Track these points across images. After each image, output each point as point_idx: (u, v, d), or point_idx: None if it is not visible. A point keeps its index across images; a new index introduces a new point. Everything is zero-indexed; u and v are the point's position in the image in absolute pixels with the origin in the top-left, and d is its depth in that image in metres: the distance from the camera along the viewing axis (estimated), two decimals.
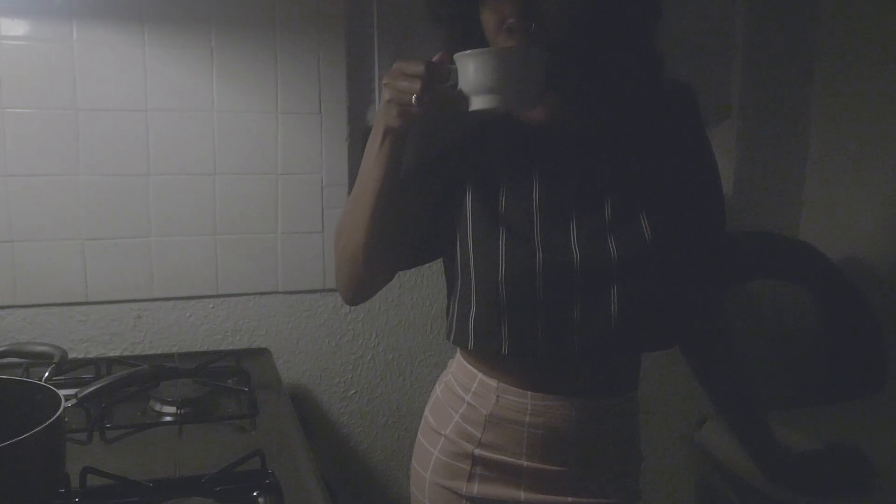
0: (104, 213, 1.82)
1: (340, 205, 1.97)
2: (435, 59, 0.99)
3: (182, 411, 1.53)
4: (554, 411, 1.13)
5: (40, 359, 1.53)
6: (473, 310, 1.12)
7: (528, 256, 1.07)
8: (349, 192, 1.95)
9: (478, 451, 1.17)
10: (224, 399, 1.62)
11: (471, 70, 0.97)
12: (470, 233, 1.11)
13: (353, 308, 2.04)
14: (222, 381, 1.67)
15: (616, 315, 1.07)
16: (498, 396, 1.16)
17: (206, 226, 1.89)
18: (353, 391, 2.08)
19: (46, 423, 1.00)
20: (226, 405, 1.60)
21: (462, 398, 1.20)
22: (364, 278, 1.15)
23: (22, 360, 1.56)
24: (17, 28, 1.72)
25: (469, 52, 0.97)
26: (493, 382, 1.16)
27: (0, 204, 1.75)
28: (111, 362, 1.75)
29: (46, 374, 1.43)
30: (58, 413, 1.03)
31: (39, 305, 1.81)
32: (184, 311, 1.91)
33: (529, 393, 1.13)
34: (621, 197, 1.09)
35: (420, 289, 2.08)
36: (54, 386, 1.14)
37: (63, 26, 1.74)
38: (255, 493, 1.21)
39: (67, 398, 1.11)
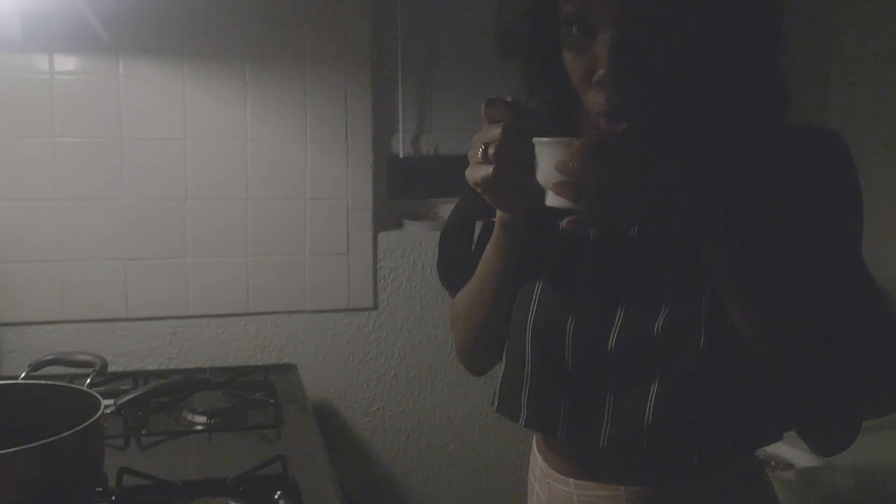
0: (145, 235, 1.94)
1: (365, 228, 2.07)
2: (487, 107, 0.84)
3: (212, 420, 1.64)
4: None
5: (83, 366, 1.65)
6: (503, 366, 1.01)
7: (561, 313, 0.92)
8: (373, 216, 2.07)
9: None
10: (251, 410, 1.72)
11: (547, 160, 0.79)
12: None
13: (376, 327, 2.13)
14: (250, 394, 1.77)
15: (653, 411, 0.88)
16: (550, 484, 1.00)
17: (238, 247, 2.00)
18: (376, 407, 2.17)
19: (86, 423, 1.10)
20: (253, 416, 1.70)
21: (533, 483, 1.06)
22: (481, 355, 1.08)
23: (67, 367, 1.68)
24: (68, 64, 1.86)
25: (547, 139, 0.79)
26: (544, 466, 1.02)
27: (50, 226, 1.89)
28: (148, 375, 1.87)
29: (88, 380, 1.54)
30: (97, 414, 1.13)
31: (84, 321, 1.94)
32: (216, 328, 2.02)
33: (571, 480, 0.97)
34: (689, 266, 0.86)
35: (441, 308, 2.17)
36: (95, 393, 1.24)
37: (110, 62, 1.88)
38: (276, 496, 1.30)
39: (107, 406, 1.22)
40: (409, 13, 2.10)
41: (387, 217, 2.15)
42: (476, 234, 1.07)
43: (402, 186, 2.17)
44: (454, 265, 1.08)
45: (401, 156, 2.14)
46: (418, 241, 2.13)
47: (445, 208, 2.21)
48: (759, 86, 0.86)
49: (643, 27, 0.79)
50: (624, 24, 0.79)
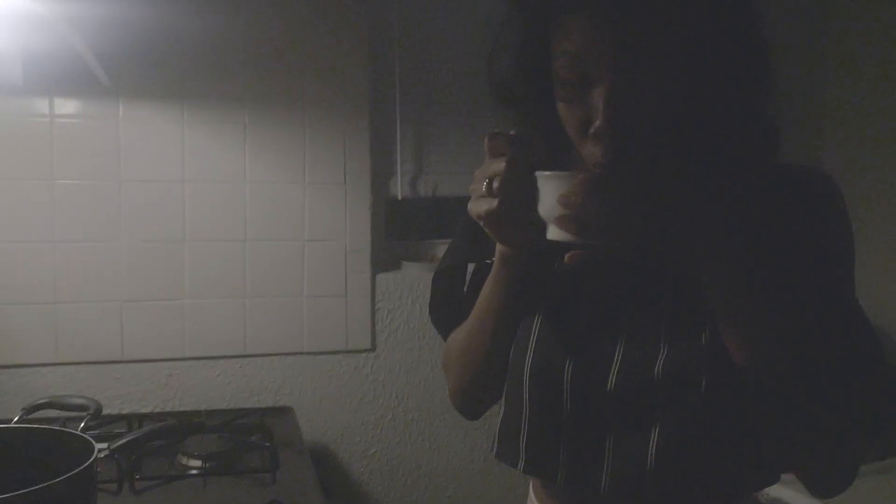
0: (142, 277, 1.94)
1: (363, 269, 2.07)
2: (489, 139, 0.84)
3: (207, 465, 1.61)
4: None
5: (77, 410, 1.63)
6: (502, 409, 0.99)
7: (559, 354, 0.91)
8: (371, 258, 2.06)
9: None
10: (247, 454, 1.70)
11: (550, 194, 0.78)
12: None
13: (374, 369, 2.11)
14: (246, 437, 1.74)
15: (655, 454, 0.86)
16: None
17: (236, 289, 2.00)
18: (374, 450, 2.14)
19: (79, 469, 1.08)
20: (248, 460, 1.68)
21: None
22: (477, 397, 1.05)
23: (61, 411, 1.66)
24: (68, 107, 1.87)
25: (550, 173, 0.79)
26: None
27: (47, 268, 1.88)
28: (142, 418, 1.84)
29: (82, 424, 1.52)
30: (90, 459, 1.11)
31: (78, 363, 1.92)
32: (212, 370, 2.01)
33: None
34: (687, 304, 0.87)
35: (440, 350, 2.14)
36: (89, 437, 1.22)
37: (110, 105, 1.89)
38: None
39: (100, 450, 1.19)
40: (407, 56, 2.13)
41: (385, 258, 2.15)
42: (468, 275, 1.06)
43: (400, 228, 2.17)
44: (447, 306, 1.07)
45: (399, 197, 2.15)
46: (416, 283, 2.12)
47: (444, 250, 2.19)
48: (750, 129, 0.86)
49: (638, 79, 0.79)
50: (619, 77, 0.79)
